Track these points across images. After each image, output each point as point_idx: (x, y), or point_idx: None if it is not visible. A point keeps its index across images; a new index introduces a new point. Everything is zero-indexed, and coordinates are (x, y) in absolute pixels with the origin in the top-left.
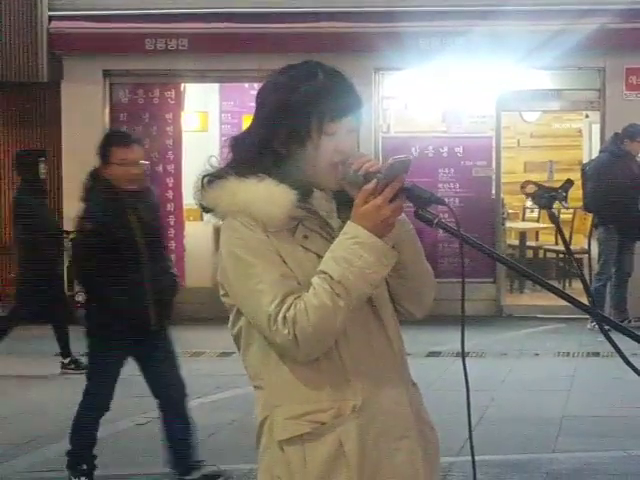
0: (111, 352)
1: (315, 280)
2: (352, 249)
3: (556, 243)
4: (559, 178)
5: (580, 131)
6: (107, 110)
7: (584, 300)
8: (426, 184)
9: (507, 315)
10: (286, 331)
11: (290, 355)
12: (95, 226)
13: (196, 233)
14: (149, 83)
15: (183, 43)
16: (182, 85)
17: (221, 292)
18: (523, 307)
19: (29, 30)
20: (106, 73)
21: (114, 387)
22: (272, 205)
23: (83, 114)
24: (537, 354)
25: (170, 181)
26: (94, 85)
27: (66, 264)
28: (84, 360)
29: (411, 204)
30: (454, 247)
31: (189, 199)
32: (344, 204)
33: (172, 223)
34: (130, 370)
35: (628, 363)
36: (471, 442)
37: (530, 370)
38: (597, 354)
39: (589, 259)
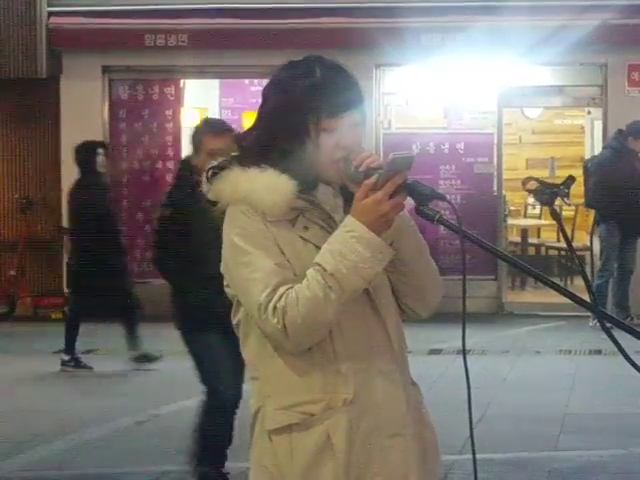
0: (208, 337)
1: (309, 272)
2: (349, 243)
3: (558, 240)
4: (561, 175)
5: (582, 127)
6: (106, 106)
7: (586, 297)
8: (427, 181)
9: (508, 312)
10: (275, 320)
11: (280, 345)
12: (172, 212)
13: None
14: (149, 79)
15: (183, 39)
16: (182, 81)
17: (225, 282)
18: (525, 304)
19: (28, 26)
20: (105, 69)
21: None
22: (273, 194)
23: (82, 110)
24: (539, 352)
25: (169, 177)
26: (93, 81)
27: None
28: (83, 360)
29: (412, 200)
30: (455, 244)
31: None
32: (351, 200)
33: None
34: (130, 370)
35: (630, 361)
36: (472, 440)
37: (532, 368)
38: (599, 352)
39: (591, 256)
